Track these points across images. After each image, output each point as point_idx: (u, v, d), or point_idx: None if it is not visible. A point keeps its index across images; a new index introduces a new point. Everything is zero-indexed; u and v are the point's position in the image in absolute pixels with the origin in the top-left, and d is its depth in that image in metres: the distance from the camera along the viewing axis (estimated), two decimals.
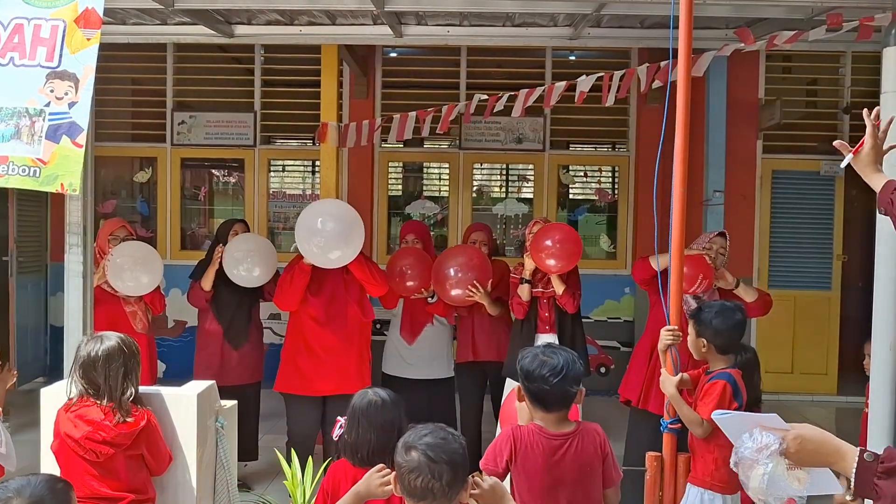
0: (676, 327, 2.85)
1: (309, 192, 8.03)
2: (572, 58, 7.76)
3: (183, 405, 2.96)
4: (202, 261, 5.01)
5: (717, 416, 1.94)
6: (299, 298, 4.58)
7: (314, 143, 7.83)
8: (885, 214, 2.32)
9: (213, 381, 3.18)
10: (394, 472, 1.99)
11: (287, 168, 8.17)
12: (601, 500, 2.53)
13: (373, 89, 7.54)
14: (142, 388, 2.91)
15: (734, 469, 1.80)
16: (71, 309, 3.41)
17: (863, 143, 2.43)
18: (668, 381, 2.87)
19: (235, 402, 3.40)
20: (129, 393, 2.80)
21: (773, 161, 7.43)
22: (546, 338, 4.47)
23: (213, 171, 8.03)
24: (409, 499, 1.93)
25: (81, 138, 2.89)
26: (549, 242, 4.45)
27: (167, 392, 3.01)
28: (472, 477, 1.99)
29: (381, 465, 2.18)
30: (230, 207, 8.00)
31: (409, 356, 4.99)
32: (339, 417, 2.67)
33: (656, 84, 4.70)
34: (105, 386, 2.79)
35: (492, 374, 4.92)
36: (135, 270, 4.48)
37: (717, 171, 6.89)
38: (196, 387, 3.05)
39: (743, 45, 4.43)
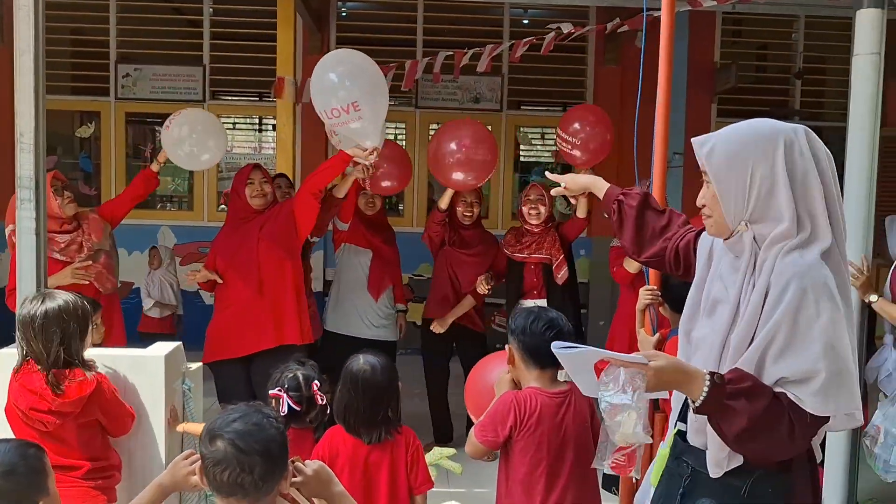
0: (655, 287, 2.85)
1: (257, 146, 7.82)
2: (525, 22, 7.70)
3: (150, 367, 2.85)
4: None
5: (556, 348, 1.76)
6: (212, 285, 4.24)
7: (260, 100, 7.62)
8: (610, 217, 2.36)
9: (180, 343, 3.07)
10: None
11: (238, 125, 7.93)
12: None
13: (327, 45, 7.32)
14: (110, 350, 2.78)
15: (603, 415, 1.70)
16: (23, 269, 3.23)
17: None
18: (646, 342, 2.86)
19: (201, 364, 3.30)
20: (60, 360, 2.59)
21: (726, 125, 7.48)
22: (531, 304, 4.34)
23: (158, 128, 7.73)
24: (216, 494, 1.68)
25: None
26: (453, 146, 4.39)
27: (133, 354, 2.91)
28: (293, 463, 1.76)
29: (188, 452, 1.85)
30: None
31: (368, 313, 4.79)
32: (270, 391, 2.53)
33: (623, 29, 4.67)
34: (40, 351, 2.59)
35: (462, 340, 4.80)
36: (195, 143, 4.26)
37: (676, 133, 6.87)
38: (163, 348, 2.95)
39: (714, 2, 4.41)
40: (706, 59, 7.38)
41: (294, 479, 1.75)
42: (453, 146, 4.46)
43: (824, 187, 1.71)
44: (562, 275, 4.48)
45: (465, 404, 3.07)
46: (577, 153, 4.57)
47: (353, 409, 2.45)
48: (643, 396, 1.64)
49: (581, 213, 4.51)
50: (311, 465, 1.81)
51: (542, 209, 4.54)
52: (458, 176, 4.50)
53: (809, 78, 7.66)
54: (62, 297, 2.69)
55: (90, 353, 2.74)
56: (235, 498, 1.65)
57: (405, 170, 4.96)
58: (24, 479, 1.71)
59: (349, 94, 3.87)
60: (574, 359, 1.75)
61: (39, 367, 2.61)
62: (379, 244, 4.81)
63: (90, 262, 3.93)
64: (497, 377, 2.63)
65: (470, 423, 4.65)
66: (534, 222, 4.54)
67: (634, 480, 2.70)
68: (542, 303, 4.36)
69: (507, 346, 2.56)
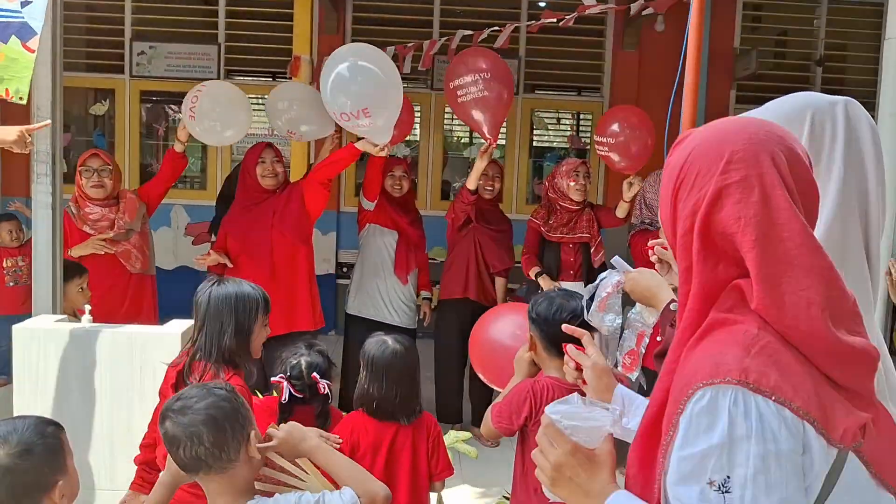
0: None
1: (270, 128, 7.76)
2: (542, 4, 7.60)
3: (166, 344, 2.83)
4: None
5: (615, 261, 2.17)
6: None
7: (274, 79, 7.56)
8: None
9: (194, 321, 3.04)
10: None
11: (252, 105, 7.87)
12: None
13: (343, 24, 7.27)
14: (124, 327, 2.76)
15: (588, 300, 2.15)
16: (39, 243, 3.24)
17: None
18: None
19: None
20: (207, 352, 2.24)
21: (745, 111, 7.40)
22: (570, 286, 4.17)
23: (173, 106, 7.69)
24: (189, 475, 1.69)
25: (33, 42, 2.62)
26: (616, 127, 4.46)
27: (149, 331, 2.88)
28: (270, 430, 1.77)
29: None
30: (191, 143, 7.68)
31: (392, 297, 4.65)
32: (272, 378, 2.43)
33: (647, 11, 4.59)
34: (199, 338, 2.25)
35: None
36: (220, 118, 4.11)
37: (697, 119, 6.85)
38: (178, 325, 2.93)
39: None
40: (726, 45, 7.28)
41: (268, 444, 1.76)
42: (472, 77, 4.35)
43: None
44: (599, 257, 4.44)
45: (469, 354, 3.04)
46: (615, 157, 4.50)
47: (387, 395, 2.39)
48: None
49: (621, 213, 4.46)
50: (282, 429, 1.82)
51: (588, 185, 4.52)
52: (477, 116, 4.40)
53: (831, 65, 7.55)
54: (234, 284, 2.36)
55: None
56: (203, 472, 1.66)
57: (407, 118, 4.67)
58: (42, 458, 1.65)
59: (358, 102, 3.78)
60: (619, 263, 2.14)
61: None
62: (405, 225, 4.67)
63: (111, 236, 3.94)
64: (517, 355, 2.57)
65: (475, 409, 4.68)
66: (578, 199, 4.46)
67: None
68: (580, 285, 4.23)
69: (528, 333, 2.52)
